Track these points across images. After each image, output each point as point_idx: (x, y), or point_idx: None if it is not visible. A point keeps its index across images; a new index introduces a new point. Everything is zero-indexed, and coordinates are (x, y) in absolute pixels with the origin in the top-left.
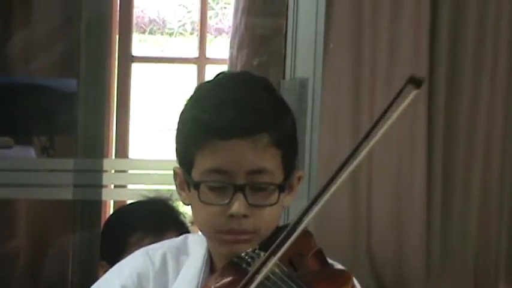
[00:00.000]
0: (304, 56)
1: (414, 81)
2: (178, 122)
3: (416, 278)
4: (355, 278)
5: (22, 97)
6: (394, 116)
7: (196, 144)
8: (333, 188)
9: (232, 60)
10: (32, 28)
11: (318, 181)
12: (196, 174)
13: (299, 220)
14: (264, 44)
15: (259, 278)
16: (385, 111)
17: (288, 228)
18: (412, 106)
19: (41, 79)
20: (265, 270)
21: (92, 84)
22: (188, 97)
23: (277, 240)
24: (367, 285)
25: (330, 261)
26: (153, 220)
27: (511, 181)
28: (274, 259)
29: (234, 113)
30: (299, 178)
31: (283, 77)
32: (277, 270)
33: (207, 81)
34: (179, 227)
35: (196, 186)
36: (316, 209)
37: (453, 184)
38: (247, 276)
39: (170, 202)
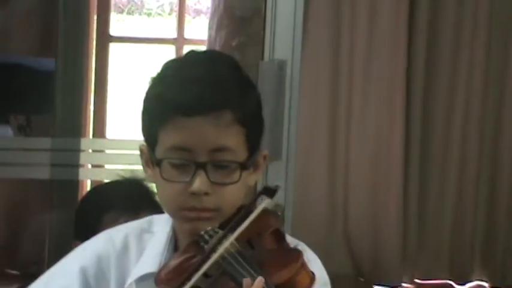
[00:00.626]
0: (282, 38)
1: (267, 192)
2: (144, 99)
3: (393, 261)
4: (331, 260)
5: None
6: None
7: (160, 121)
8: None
9: (210, 41)
10: (9, 7)
11: (296, 164)
12: (159, 152)
13: (254, 202)
14: (242, 25)
15: (213, 258)
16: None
17: (245, 208)
18: (390, 94)
19: (18, 58)
20: (220, 250)
21: (69, 63)
22: (154, 74)
23: (233, 220)
24: (343, 266)
25: (294, 241)
26: (127, 200)
27: (487, 168)
28: (231, 239)
29: (197, 90)
30: (265, 157)
31: (262, 59)
32: (232, 250)
33: (174, 59)
34: (154, 208)
35: (159, 163)
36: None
37: (430, 169)
38: (202, 256)
39: (145, 182)
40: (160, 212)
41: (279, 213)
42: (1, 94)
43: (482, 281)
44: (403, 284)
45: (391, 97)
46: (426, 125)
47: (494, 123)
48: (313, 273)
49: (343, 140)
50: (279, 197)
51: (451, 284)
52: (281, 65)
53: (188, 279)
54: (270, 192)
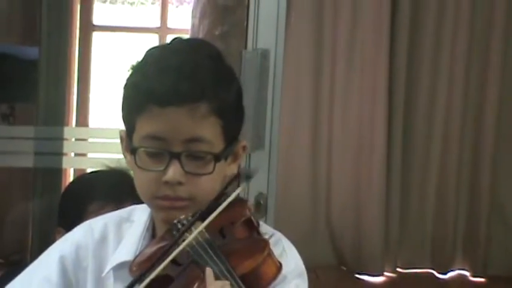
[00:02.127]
0: (266, 27)
1: (240, 179)
2: (124, 86)
3: (375, 250)
4: (314, 250)
5: None
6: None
7: (137, 109)
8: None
9: (194, 30)
10: None
11: (278, 153)
12: (135, 140)
13: (223, 191)
14: (226, 15)
15: (181, 246)
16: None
17: (214, 198)
18: (372, 84)
19: (2, 46)
20: (189, 238)
21: (53, 52)
22: (135, 62)
23: (203, 209)
24: (326, 256)
25: (270, 231)
26: (112, 190)
27: (468, 160)
28: (200, 227)
29: (173, 81)
30: (243, 148)
31: (245, 48)
32: (200, 238)
33: (156, 47)
34: (138, 198)
35: (134, 151)
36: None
37: (412, 161)
38: (170, 243)
39: (130, 172)
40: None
41: (261, 202)
42: None
43: (463, 270)
44: (385, 273)
45: (374, 87)
46: (408, 119)
47: (476, 113)
48: (280, 263)
49: (326, 130)
50: (262, 187)
51: (432, 273)
52: (264, 55)
53: (155, 265)
54: (243, 179)
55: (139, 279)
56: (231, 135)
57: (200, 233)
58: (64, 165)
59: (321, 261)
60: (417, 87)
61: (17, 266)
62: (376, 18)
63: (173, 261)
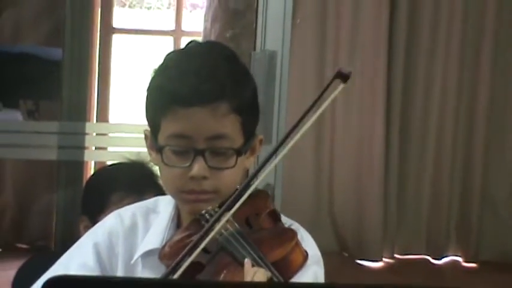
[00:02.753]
0: (273, 30)
1: (341, 76)
2: (148, 89)
3: (374, 238)
4: (317, 237)
5: (11, 64)
6: (322, 107)
7: (161, 111)
8: (286, 147)
9: (206, 33)
10: (20, 2)
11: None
12: (161, 139)
13: (248, 183)
14: (236, 18)
15: (211, 234)
16: (314, 103)
17: (239, 189)
18: (372, 82)
19: (28, 48)
20: (218, 227)
21: (75, 53)
22: (157, 65)
23: (229, 200)
24: (329, 244)
25: (289, 221)
26: (132, 181)
27: (461, 154)
28: (227, 216)
29: (195, 83)
30: (260, 141)
31: (254, 49)
32: (229, 227)
33: (175, 51)
34: (157, 189)
35: (160, 149)
36: (263, 173)
37: (409, 154)
38: (201, 232)
39: (150, 165)
40: (163, 193)
41: (269, 192)
42: (12, 81)
43: (456, 256)
44: (384, 259)
45: (373, 85)
46: (405, 115)
47: (468, 109)
48: (306, 252)
49: (329, 125)
50: (270, 178)
51: (427, 259)
52: (272, 55)
53: (188, 254)
54: (344, 76)
55: (175, 266)
56: (249, 130)
57: (229, 222)
58: (86, 158)
59: (324, 248)
60: (413, 86)
61: (42, 252)
62: (375, 23)
63: (203, 249)
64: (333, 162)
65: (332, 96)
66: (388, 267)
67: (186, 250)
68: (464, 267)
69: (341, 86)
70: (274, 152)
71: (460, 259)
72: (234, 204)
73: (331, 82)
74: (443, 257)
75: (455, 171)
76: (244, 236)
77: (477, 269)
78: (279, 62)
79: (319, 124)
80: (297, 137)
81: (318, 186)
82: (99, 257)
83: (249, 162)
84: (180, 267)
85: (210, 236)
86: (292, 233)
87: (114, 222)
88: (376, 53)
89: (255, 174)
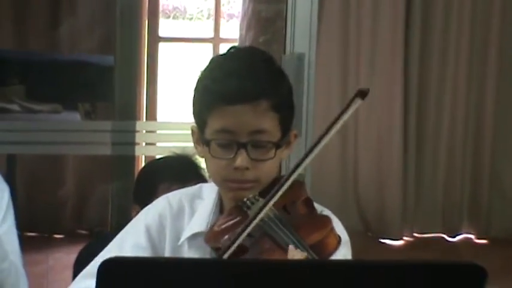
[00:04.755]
0: (301, 35)
1: (361, 94)
2: (195, 89)
3: (395, 218)
4: (344, 219)
5: (69, 71)
6: (345, 117)
7: (208, 108)
8: (316, 150)
9: (241, 40)
10: (76, 15)
11: (313, 138)
12: (208, 133)
13: (291, 174)
14: (267, 25)
15: (256, 220)
16: (338, 116)
17: (282, 180)
18: (390, 81)
19: (84, 56)
20: (261, 214)
21: (126, 59)
22: (203, 68)
23: (273, 190)
24: (354, 225)
25: (320, 207)
26: (178, 172)
27: (472, 139)
28: (269, 205)
29: (238, 83)
30: (295, 135)
31: (284, 52)
32: (271, 214)
33: (220, 55)
34: (200, 179)
35: (208, 143)
36: (304, 164)
37: (425, 142)
38: (248, 219)
39: (193, 158)
40: (206, 182)
41: (300, 180)
42: (71, 86)
43: (469, 233)
44: (404, 238)
45: (391, 82)
46: (421, 112)
47: (477, 105)
48: (339, 237)
49: (353, 119)
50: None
51: (443, 237)
52: (300, 57)
53: (236, 238)
54: (363, 94)
55: (225, 249)
56: (286, 126)
57: (270, 210)
58: (136, 153)
59: (350, 228)
60: (428, 83)
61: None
62: (393, 30)
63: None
64: (356, 152)
65: (352, 110)
66: (408, 245)
67: (234, 235)
68: (476, 243)
69: (359, 102)
70: (311, 150)
71: (472, 236)
72: (276, 194)
73: (352, 100)
74: (458, 235)
75: (466, 157)
76: (284, 222)
77: (488, 245)
78: (307, 63)
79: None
80: (327, 138)
81: (344, 174)
82: (151, 237)
83: (284, 154)
84: (229, 249)
85: (254, 222)
86: (328, 219)
87: (163, 205)
88: (393, 55)
89: (295, 169)
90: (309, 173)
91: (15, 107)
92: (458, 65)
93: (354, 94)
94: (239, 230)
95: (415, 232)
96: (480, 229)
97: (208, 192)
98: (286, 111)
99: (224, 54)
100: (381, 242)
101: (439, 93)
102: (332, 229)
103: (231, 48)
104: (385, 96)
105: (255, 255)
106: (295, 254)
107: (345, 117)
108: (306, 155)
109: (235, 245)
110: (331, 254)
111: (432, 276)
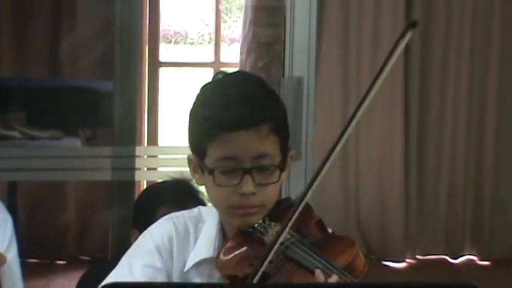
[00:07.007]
0: (299, 59)
1: (412, 25)
2: (190, 119)
3: (397, 241)
4: None
5: (68, 96)
6: (396, 54)
7: (209, 137)
8: (327, 166)
9: (242, 63)
10: (74, 40)
11: (313, 163)
12: (209, 162)
13: (304, 195)
14: (267, 49)
15: (277, 244)
16: (389, 55)
17: (297, 202)
18: (390, 104)
19: (83, 81)
20: (281, 238)
21: (125, 85)
22: (195, 97)
23: (290, 214)
24: None
25: (329, 229)
26: (177, 196)
27: (473, 160)
28: (287, 228)
29: (239, 110)
30: (291, 157)
31: (283, 76)
32: (288, 236)
33: (209, 82)
34: (197, 203)
35: (211, 171)
36: (314, 186)
37: (426, 165)
38: (269, 245)
39: (191, 182)
40: (203, 206)
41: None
42: (71, 112)
43: (472, 255)
44: (407, 260)
45: (392, 107)
46: (421, 132)
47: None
48: (364, 259)
49: (354, 141)
50: (301, 191)
51: (446, 259)
52: (299, 81)
53: (261, 264)
54: (413, 24)
55: (253, 276)
56: (286, 147)
57: (288, 233)
58: (138, 178)
59: None
60: (428, 101)
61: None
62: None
63: None
64: (357, 176)
65: (403, 43)
66: (410, 267)
67: (257, 262)
68: (479, 265)
69: (410, 34)
70: (320, 169)
71: (475, 258)
72: (293, 215)
73: (404, 32)
74: (460, 256)
75: (468, 178)
76: (307, 244)
77: (491, 266)
78: (306, 86)
79: (345, 143)
80: (335, 153)
81: (345, 197)
82: (161, 258)
83: (284, 176)
84: (256, 276)
85: (276, 247)
86: (353, 240)
87: (169, 226)
88: (394, 76)
89: (308, 190)
90: (310, 195)
91: (15, 133)
92: (459, 74)
93: (404, 26)
94: (258, 255)
95: (417, 254)
96: (483, 251)
97: (208, 216)
98: (284, 133)
99: (215, 81)
100: (383, 264)
101: (440, 113)
102: (358, 251)
103: (218, 73)
104: (385, 116)
105: (281, 280)
106: (322, 277)
107: (398, 51)
108: (327, 157)
109: (262, 270)
110: (359, 275)
111: None
